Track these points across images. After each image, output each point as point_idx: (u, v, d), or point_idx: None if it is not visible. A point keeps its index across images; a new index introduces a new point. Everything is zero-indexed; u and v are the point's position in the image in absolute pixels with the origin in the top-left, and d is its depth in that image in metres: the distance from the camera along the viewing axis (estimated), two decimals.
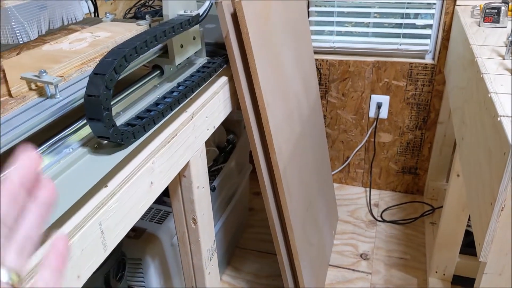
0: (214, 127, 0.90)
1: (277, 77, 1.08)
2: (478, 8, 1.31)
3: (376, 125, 1.74)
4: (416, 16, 1.63)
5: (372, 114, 1.72)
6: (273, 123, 1.01)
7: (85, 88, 0.56)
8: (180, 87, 0.78)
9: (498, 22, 1.23)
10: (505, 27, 1.22)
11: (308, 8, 1.66)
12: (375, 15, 1.66)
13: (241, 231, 1.60)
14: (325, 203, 1.50)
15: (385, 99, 1.68)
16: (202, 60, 0.91)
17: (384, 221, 1.69)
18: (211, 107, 0.87)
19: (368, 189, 1.85)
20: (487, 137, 0.80)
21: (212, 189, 1.12)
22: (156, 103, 0.73)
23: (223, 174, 1.21)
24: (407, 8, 1.57)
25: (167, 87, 0.79)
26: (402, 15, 1.59)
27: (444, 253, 1.34)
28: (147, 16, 0.85)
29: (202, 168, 0.86)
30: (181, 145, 0.76)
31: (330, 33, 1.69)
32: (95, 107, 0.55)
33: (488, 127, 0.79)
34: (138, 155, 0.66)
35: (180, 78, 0.82)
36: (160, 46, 0.78)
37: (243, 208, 1.56)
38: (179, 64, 0.82)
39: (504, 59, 0.99)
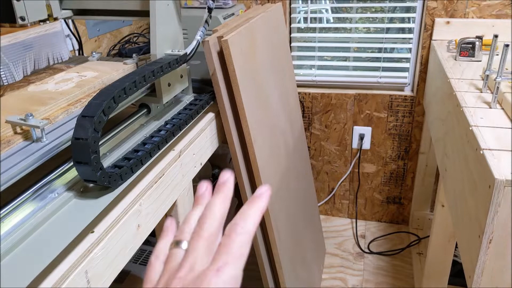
0: (201, 164, 0.89)
1: (263, 112, 1.08)
2: (454, 42, 1.37)
3: (359, 156, 1.76)
4: (392, 50, 1.69)
5: (355, 145, 1.75)
6: (260, 158, 1.01)
7: (71, 131, 0.55)
8: (168, 126, 0.78)
9: (474, 56, 1.29)
10: (480, 60, 1.27)
11: (290, 43, 1.70)
12: (354, 49, 1.71)
13: None
14: (312, 236, 1.49)
15: (367, 130, 1.71)
16: (189, 97, 0.91)
17: (371, 252, 1.68)
18: (198, 144, 0.87)
19: (354, 220, 1.85)
20: (471, 170, 0.81)
21: None
22: (144, 143, 0.72)
23: None
24: (384, 42, 1.62)
25: (154, 125, 0.79)
26: (381, 50, 1.65)
27: (433, 284, 1.33)
28: (134, 55, 0.85)
29: (189, 207, 0.84)
30: (169, 185, 0.75)
31: (312, 67, 1.73)
32: (83, 151, 0.54)
33: (471, 160, 0.81)
34: (125, 198, 0.64)
35: (167, 116, 0.82)
36: (147, 85, 0.78)
37: None
38: (166, 102, 0.82)
39: (482, 92, 1.03)
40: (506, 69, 1.00)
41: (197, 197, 0.33)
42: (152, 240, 1.08)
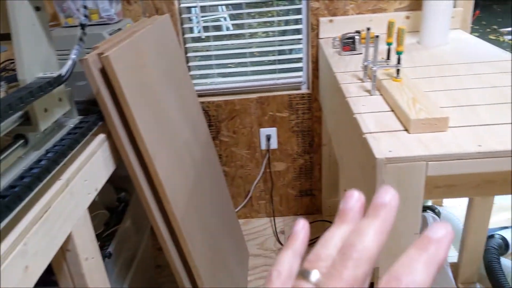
0: (96, 190, 0.84)
1: (162, 125, 1.06)
2: (337, 39, 1.47)
3: (268, 156, 1.80)
4: (290, 51, 1.77)
5: (263, 146, 1.79)
6: (163, 173, 0.99)
7: None
8: (49, 154, 0.72)
9: (355, 50, 1.39)
10: (361, 53, 1.38)
11: (186, 54, 1.69)
12: (255, 53, 1.75)
13: None
14: (233, 242, 1.49)
15: (273, 131, 1.77)
16: (73, 121, 0.86)
17: None
18: (90, 169, 0.81)
19: (272, 218, 1.90)
20: (359, 154, 0.87)
21: (108, 255, 1.03)
22: (22, 177, 0.66)
23: (119, 237, 1.13)
24: (279, 45, 1.69)
25: (34, 156, 0.72)
26: (277, 52, 1.71)
27: None
28: (2, 82, 0.78)
29: (88, 237, 0.79)
30: (58, 217, 0.69)
31: (212, 75, 1.74)
32: None
33: (357, 146, 0.87)
34: (6, 239, 0.58)
35: (49, 144, 0.76)
36: (19, 113, 0.72)
37: (149, 268, 1.47)
38: (45, 130, 0.76)
39: (363, 82, 1.11)
40: (382, 58, 1.09)
41: (343, 212, 0.24)
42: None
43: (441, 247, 0.20)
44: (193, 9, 1.68)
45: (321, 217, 1.88)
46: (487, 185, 0.81)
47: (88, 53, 0.88)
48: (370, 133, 0.82)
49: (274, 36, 1.70)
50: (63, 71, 0.77)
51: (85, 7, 0.79)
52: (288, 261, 0.24)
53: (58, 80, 0.74)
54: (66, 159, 0.74)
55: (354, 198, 0.25)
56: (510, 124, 0.80)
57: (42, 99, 0.72)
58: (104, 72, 0.87)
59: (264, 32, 1.75)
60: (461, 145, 0.75)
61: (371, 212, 0.23)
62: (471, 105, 0.90)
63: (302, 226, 0.26)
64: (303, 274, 0.22)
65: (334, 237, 0.23)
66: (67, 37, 1.25)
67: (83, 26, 0.79)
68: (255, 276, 1.59)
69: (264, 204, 1.91)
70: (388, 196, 0.23)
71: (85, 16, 0.79)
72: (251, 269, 1.63)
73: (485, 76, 1.05)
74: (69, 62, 0.79)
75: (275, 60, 1.70)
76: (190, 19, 1.72)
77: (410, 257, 0.21)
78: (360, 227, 0.22)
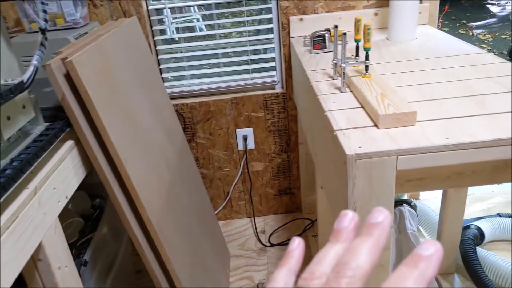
0: (67, 198, 0.82)
1: (133, 129, 1.04)
2: (308, 37, 1.48)
3: (246, 157, 1.80)
4: (265, 51, 1.77)
5: (240, 147, 1.79)
6: (136, 178, 0.97)
7: None
8: (15, 163, 0.70)
9: (326, 48, 1.40)
10: (332, 51, 1.39)
11: (158, 56, 1.68)
12: (230, 54, 1.75)
13: None
14: (213, 244, 1.48)
15: (249, 131, 1.77)
16: (40, 128, 0.83)
17: (272, 245, 1.74)
18: (58, 176, 0.80)
19: (252, 218, 1.90)
20: (331, 151, 0.88)
21: (84, 263, 1.01)
22: None
23: (95, 244, 1.11)
24: (250, 45, 1.69)
25: None
26: (250, 52, 1.70)
27: None
28: None
29: (60, 246, 0.77)
30: (27, 227, 0.68)
31: (185, 77, 1.72)
32: None
33: (329, 142, 0.88)
34: None
35: (14, 153, 0.74)
36: None
37: (129, 273, 1.44)
38: (10, 138, 0.74)
39: (333, 79, 1.12)
40: (352, 55, 1.11)
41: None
42: None
43: (431, 265, 0.21)
44: (164, 10, 1.66)
45: (301, 215, 1.89)
46: (457, 177, 0.83)
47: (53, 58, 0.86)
48: (341, 129, 0.83)
49: (247, 36, 1.70)
50: (25, 77, 0.75)
51: (44, 11, 0.77)
52: (283, 278, 0.24)
53: (19, 87, 0.72)
54: (32, 167, 0.72)
55: (348, 218, 0.25)
56: (477, 116, 0.83)
57: (4, 107, 0.70)
58: (69, 77, 0.85)
59: (238, 33, 1.74)
60: (429, 138, 0.77)
61: (365, 231, 0.23)
62: (439, 98, 0.92)
63: (297, 245, 0.26)
64: None
65: (329, 255, 0.24)
66: (33, 43, 1.22)
67: (43, 31, 0.77)
68: (237, 277, 1.59)
69: (243, 204, 1.91)
70: (381, 216, 0.24)
71: (45, 20, 0.78)
72: (233, 270, 1.62)
73: (451, 70, 1.08)
74: (31, 68, 0.77)
75: (248, 60, 1.70)
76: (162, 21, 1.70)
77: (401, 274, 0.21)
78: (353, 246, 0.23)
